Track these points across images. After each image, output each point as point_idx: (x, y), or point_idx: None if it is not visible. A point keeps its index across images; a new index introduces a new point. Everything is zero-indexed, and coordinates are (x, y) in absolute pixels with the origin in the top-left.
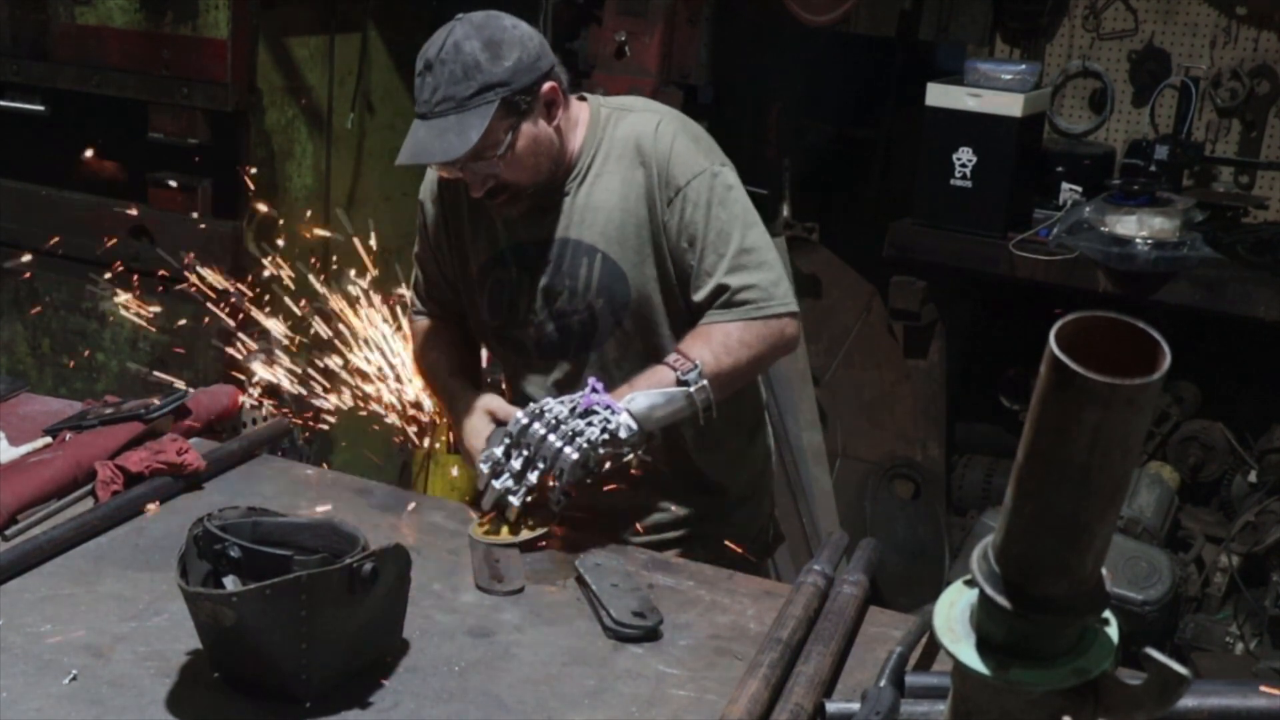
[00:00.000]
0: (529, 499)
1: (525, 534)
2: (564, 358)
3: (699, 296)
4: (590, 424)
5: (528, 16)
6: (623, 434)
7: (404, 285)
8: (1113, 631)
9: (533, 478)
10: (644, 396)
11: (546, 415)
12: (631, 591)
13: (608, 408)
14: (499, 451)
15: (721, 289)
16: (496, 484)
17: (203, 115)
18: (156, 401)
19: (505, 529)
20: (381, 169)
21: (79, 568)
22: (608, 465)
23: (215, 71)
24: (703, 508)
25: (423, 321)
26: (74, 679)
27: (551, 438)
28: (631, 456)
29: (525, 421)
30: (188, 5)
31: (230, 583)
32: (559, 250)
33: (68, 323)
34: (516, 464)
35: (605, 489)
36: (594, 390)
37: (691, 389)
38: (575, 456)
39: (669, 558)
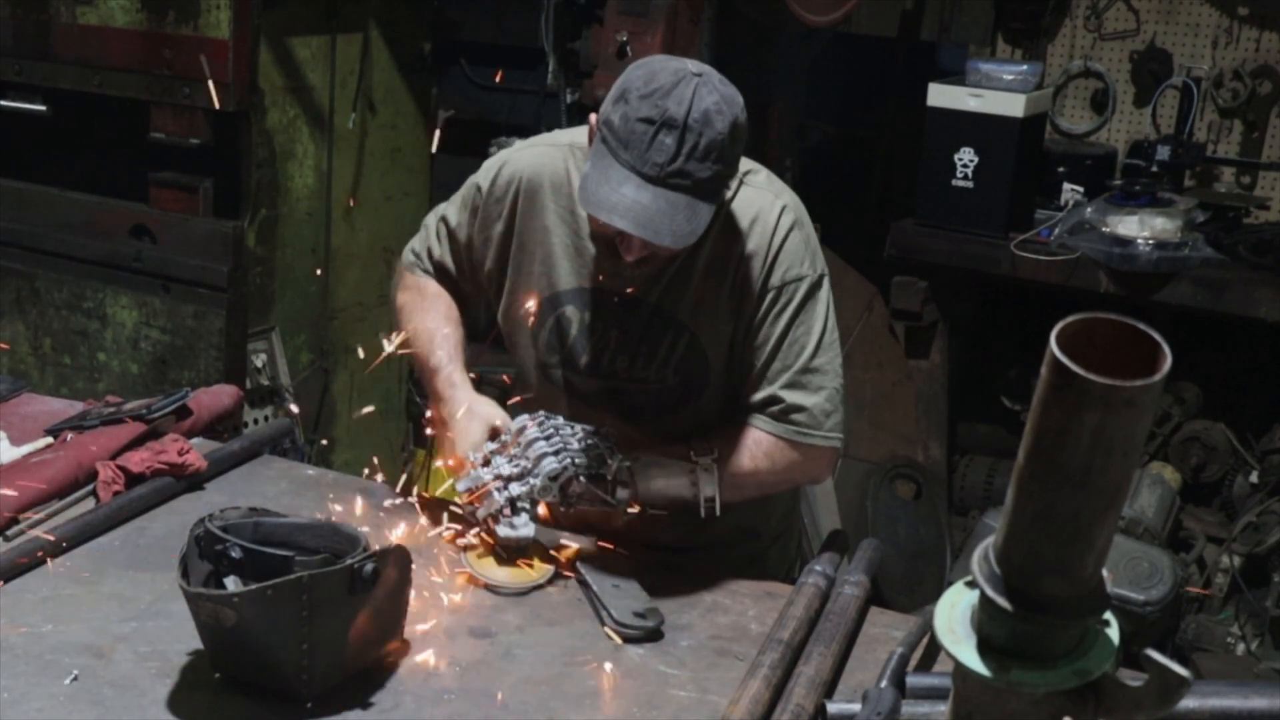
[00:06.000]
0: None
1: (527, 577)
2: (603, 411)
3: (751, 398)
4: (584, 449)
5: (529, 17)
6: (610, 475)
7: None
8: (1114, 632)
9: (514, 489)
10: (649, 458)
11: (546, 424)
12: (633, 592)
13: (610, 447)
14: (489, 449)
15: (774, 399)
16: (482, 474)
17: (204, 115)
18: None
19: (498, 564)
20: (383, 169)
21: (80, 568)
22: (579, 496)
23: (217, 71)
24: (735, 555)
25: (424, 279)
26: (75, 679)
27: (541, 443)
28: (615, 508)
29: (525, 425)
30: (189, 5)
31: (231, 583)
32: (645, 313)
33: (69, 322)
34: (505, 467)
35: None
36: (604, 429)
37: (699, 474)
38: (554, 466)
39: (671, 559)
